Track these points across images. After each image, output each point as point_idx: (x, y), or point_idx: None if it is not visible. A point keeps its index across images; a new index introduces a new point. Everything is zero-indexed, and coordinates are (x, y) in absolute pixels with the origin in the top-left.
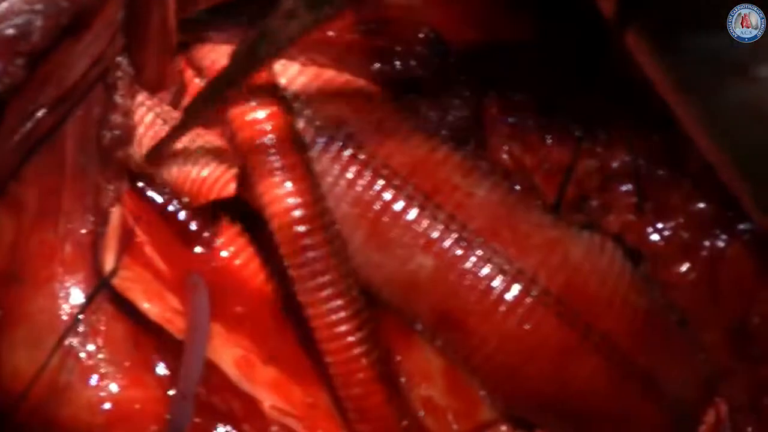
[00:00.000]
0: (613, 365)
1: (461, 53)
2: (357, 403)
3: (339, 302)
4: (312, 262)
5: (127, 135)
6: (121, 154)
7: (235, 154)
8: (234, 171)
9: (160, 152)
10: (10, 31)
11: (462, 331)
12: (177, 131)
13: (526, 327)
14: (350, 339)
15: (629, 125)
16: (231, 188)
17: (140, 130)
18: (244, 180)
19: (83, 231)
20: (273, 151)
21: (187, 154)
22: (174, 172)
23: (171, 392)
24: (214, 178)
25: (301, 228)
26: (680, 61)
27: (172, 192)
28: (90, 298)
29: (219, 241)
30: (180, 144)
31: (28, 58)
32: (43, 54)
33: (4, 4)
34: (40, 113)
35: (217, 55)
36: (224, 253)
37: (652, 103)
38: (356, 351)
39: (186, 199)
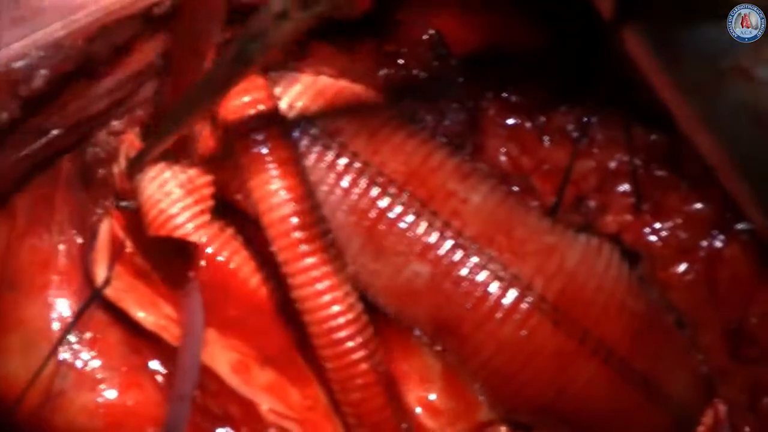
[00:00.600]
0: (611, 369)
1: (462, 56)
2: (356, 407)
3: (337, 308)
4: (310, 269)
5: (109, 154)
6: (102, 172)
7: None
8: (206, 218)
9: (141, 163)
10: (13, 75)
11: (459, 338)
12: (159, 140)
13: (523, 333)
14: (349, 344)
15: (626, 126)
16: (198, 236)
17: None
18: (241, 187)
19: (75, 242)
20: (269, 159)
21: (161, 182)
22: (143, 195)
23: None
24: (184, 219)
25: (299, 235)
26: (679, 61)
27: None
28: (81, 310)
29: (213, 246)
30: (156, 170)
31: (25, 100)
32: (47, 95)
33: (11, 48)
34: (54, 132)
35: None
36: (219, 258)
37: (650, 103)
38: (355, 356)
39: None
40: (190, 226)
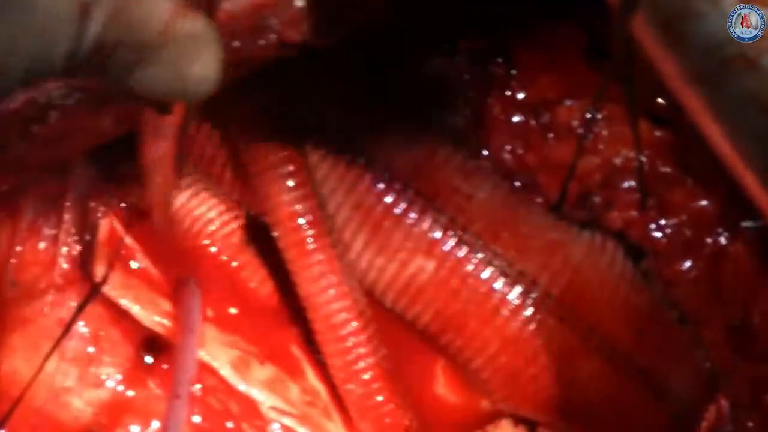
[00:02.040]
0: (614, 365)
1: (467, 52)
2: (360, 402)
3: (343, 304)
4: (318, 265)
5: None
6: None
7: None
8: (241, 222)
9: None
10: (27, 113)
11: (464, 334)
12: None
13: (528, 329)
14: (353, 340)
15: (632, 122)
16: (234, 240)
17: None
18: (247, 185)
19: (79, 242)
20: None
21: (194, 192)
22: (176, 204)
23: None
24: (219, 224)
25: (308, 231)
26: (685, 50)
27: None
28: (81, 307)
29: (217, 245)
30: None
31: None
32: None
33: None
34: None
35: None
36: (223, 257)
37: (655, 98)
38: (360, 351)
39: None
40: (226, 230)
